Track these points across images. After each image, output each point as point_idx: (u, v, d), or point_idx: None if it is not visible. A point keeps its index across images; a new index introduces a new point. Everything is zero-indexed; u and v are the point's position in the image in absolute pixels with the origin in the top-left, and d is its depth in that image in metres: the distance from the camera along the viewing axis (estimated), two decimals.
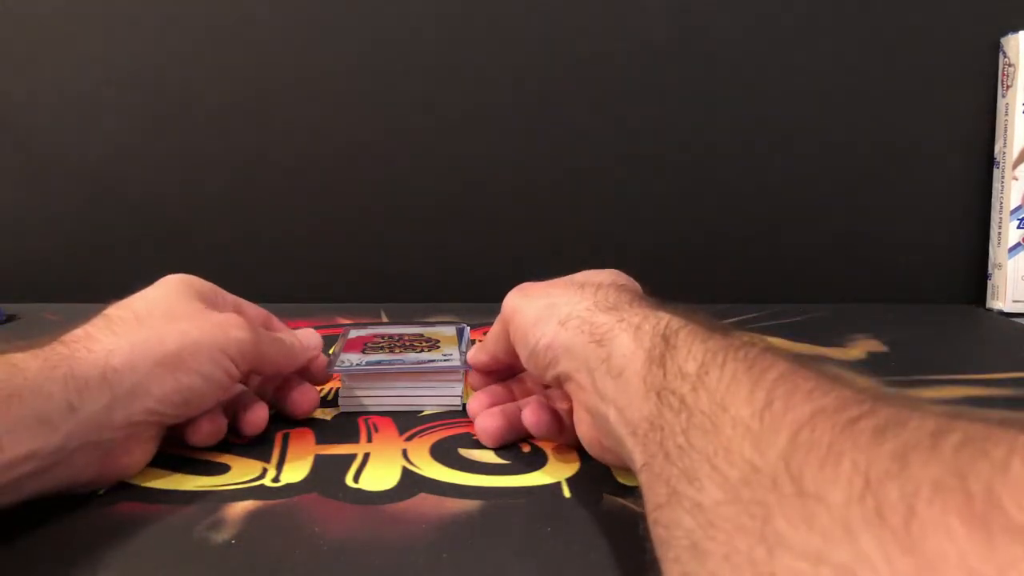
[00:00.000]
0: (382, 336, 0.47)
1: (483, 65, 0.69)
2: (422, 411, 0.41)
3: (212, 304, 0.37)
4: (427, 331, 0.48)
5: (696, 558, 0.19)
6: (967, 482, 0.13)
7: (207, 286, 0.38)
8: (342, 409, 0.41)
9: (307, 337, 0.41)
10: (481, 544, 0.27)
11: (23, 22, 0.68)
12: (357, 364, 0.41)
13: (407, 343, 0.45)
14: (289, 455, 0.35)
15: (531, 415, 0.35)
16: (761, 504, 0.17)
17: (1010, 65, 0.68)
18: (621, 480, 0.33)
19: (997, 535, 0.13)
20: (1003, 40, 0.69)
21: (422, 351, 0.44)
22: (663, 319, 0.27)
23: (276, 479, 0.33)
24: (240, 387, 0.39)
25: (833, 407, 0.18)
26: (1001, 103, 0.69)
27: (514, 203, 0.71)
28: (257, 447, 0.36)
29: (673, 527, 0.20)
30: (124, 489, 0.32)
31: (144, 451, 0.33)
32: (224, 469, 0.34)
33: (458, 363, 0.42)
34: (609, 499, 0.31)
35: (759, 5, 0.69)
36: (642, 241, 0.71)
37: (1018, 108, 0.67)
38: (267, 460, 0.35)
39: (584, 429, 0.31)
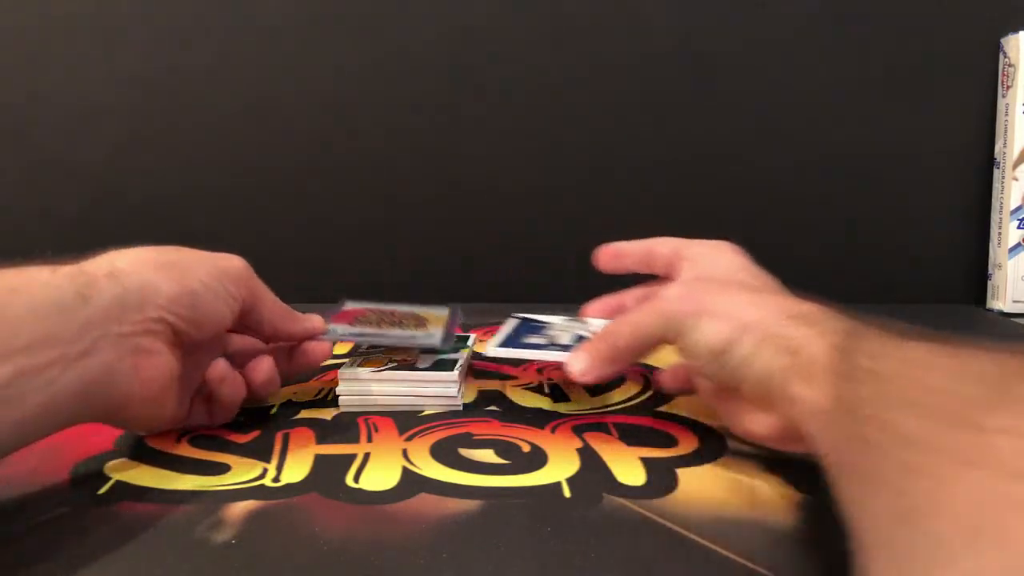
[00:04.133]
0: (373, 311, 0.48)
1: (483, 66, 0.69)
2: (422, 411, 0.41)
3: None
4: (420, 310, 0.49)
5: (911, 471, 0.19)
6: None
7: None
8: (342, 408, 0.41)
9: (310, 319, 0.42)
10: (481, 544, 0.27)
11: (24, 23, 0.68)
12: (342, 333, 0.43)
13: (396, 320, 0.46)
14: (289, 455, 0.35)
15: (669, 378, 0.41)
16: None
17: (1010, 65, 0.68)
18: (621, 480, 0.33)
19: None
20: (1003, 40, 0.69)
21: (407, 328, 0.45)
22: (855, 325, 0.28)
23: (276, 479, 0.33)
24: (250, 341, 0.41)
25: None
26: (1001, 103, 0.69)
27: (517, 205, 0.71)
28: (257, 447, 0.36)
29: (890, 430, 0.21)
30: (124, 489, 0.32)
31: (167, 361, 0.33)
32: (224, 469, 0.34)
33: (437, 341, 0.43)
34: (609, 499, 0.31)
35: (759, 5, 0.69)
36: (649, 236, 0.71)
37: (1018, 108, 0.67)
38: (267, 460, 0.35)
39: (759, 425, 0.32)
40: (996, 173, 0.70)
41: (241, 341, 0.41)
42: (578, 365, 0.37)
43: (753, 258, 0.40)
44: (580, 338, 0.42)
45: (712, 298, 0.34)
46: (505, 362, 0.48)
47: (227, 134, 0.70)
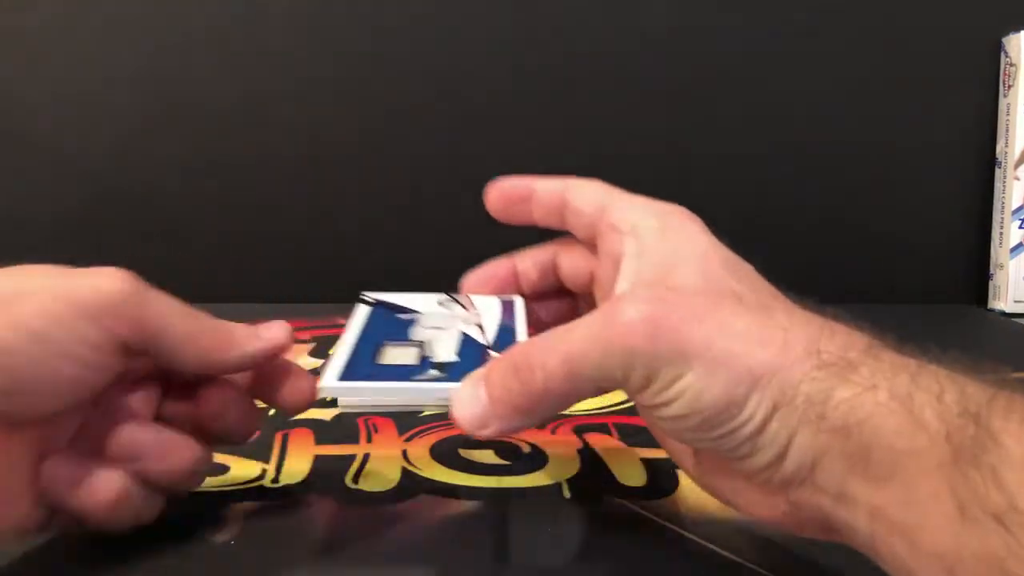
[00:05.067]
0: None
1: (483, 66, 0.69)
2: (422, 411, 0.41)
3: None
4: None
5: None
6: None
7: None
8: (341, 409, 0.41)
9: (268, 328, 0.27)
10: (481, 544, 0.27)
11: (23, 22, 0.68)
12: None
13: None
14: (288, 455, 0.35)
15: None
16: None
17: (1012, 65, 0.68)
18: (622, 481, 0.32)
19: None
20: (1004, 40, 0.69)
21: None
22: (949, 380, 0.19)
23: (275, 479, 0.33)
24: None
25: None
26: (1003, 103, 0.69)
27: None
28: (255, 447, 0.36)
29: None
30: None
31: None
32: (223, 469, 0.34)
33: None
34: (609, 499, 0.31)
35: (759, 5, 0.69)
36: None
37: (1020, 108, 0.67)
38: (266, 460, 0.35)
39: (771, 513, 0.22)
40: (997, 173, 0.70)
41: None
42: (469, 412, 0.24)
43: (752, 258, 0.27)
44: (467, 341, 0.28)
45: (698, 326, 0.21)
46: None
47: (228, 133, 0.70)
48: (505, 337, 0.29)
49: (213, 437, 0.27)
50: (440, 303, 0.32)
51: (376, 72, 0.69)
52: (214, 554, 0.27)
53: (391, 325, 0.30)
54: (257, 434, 0.30)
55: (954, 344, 0.22)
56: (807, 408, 0.20)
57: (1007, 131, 0.68)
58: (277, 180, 0.71)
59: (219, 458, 0.35)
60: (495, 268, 0.32)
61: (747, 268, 0.26)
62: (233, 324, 0.27)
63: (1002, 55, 0.69)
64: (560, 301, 0.32)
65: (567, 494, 0.31)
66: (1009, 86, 0.68)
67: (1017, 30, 0.67)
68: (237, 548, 0.27)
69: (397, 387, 0.25)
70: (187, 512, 0.29)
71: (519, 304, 0.31)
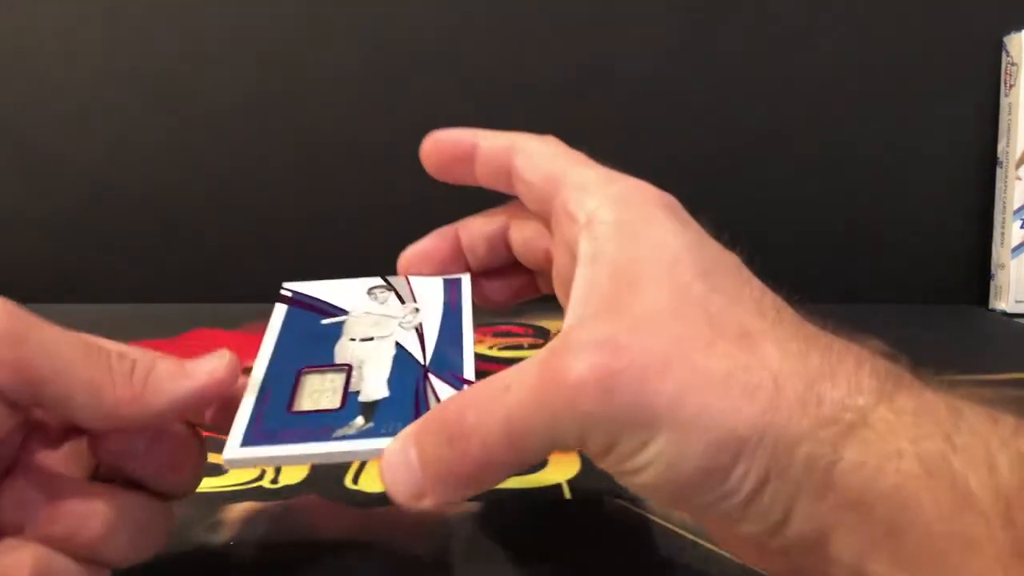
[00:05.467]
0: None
1: (483, 66, 0.69)
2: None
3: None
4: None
5: None
6: None
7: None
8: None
9: (200, 364, 0.21)
10: (481, 546, 0.27)
11: (23, 21, 0.68)
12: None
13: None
14: None
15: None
16: None
17: (1013, 64, 0.68)
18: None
19: None
20: (1006, 39, 0.68)
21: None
22: (995, 437, 0.15)
23: (275, 480, 0.33)
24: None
25: None
26: (1004, 102, 0.69)
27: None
28: None
29: None
30: None
31: None
32: (222, 470, 0.34)
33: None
34: (609, 500, 0.31)
35: (759, 4, 0.69)
36: None
37: (1021, 107, 0.67)
38: None
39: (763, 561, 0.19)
40: (999, 172, 0.70)
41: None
42: (401, 481, 0.20)
43: (753, 258, 0.23)
44: (401, 359, 0.24)
45: (665, 379, 0.17)
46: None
47: (228, 133, 0.70)
48: (447, 347, 0.24)
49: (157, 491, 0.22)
50: (372, 292, 0.27)
51: (379, 73, 0.69)
52: (214, 554, 0.26)
53: (312, 338, 0.25)
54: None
55: (956, 344, 0.22)
56: (807, 476, 0.16)
57: (1008, 131, 0.68)
58: (279, 181, 0.71)
59: (217, 459, 0.35)
60: (436, 241, 0.28)
61: (729, 266, 0.21)
62: (155, 360, 0.21)
63: (1003, 54, 0.69)
64: (515, 278, 0.28)
65: (567, 494, 0.31)
66: (1011, 85, 0.68)
67: (1018, 29, 0.67)
68: (237, 548, 0.27)
69: (315, 449, 0.21)
70: (187, 512, 0.29)
71: (466, 285, 0.27)
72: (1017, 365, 0.51)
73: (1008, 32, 0.68)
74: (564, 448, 0.18)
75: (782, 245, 0.72)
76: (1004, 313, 0.69)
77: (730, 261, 0.21)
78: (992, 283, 0.71)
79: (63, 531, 0.19)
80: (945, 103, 0.70)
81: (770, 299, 0.20)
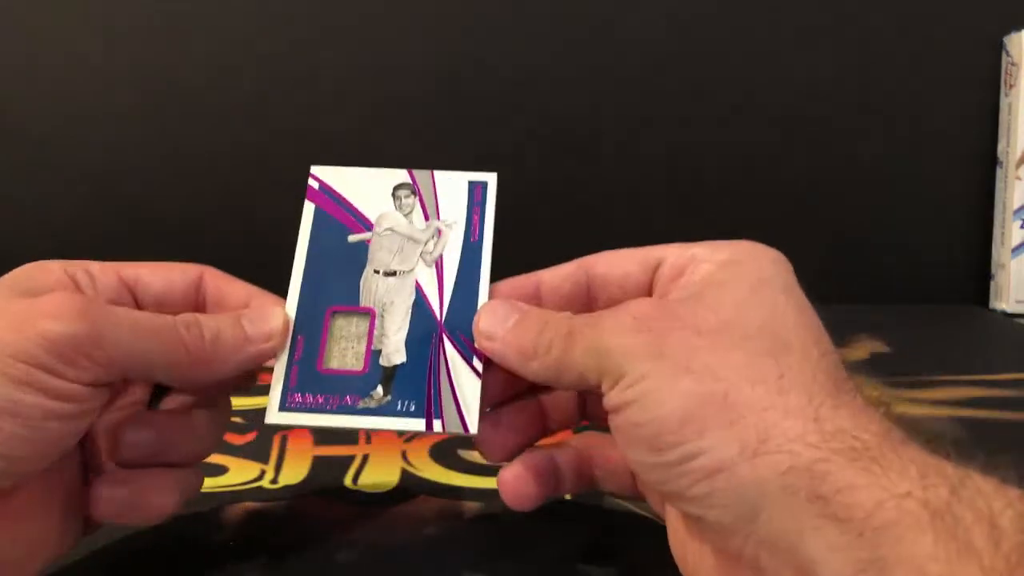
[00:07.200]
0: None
1: (483, 67, 0.69)
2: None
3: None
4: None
5: None
6: None
7: (53, 275, 0.25)
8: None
9: (256, 321, 0.25)
10: (481, 546, 0.27)
11: (22, 21, 0.68)
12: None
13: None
14: (287, 456, 0.35)
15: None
16: None
17: (1013, 64, 0.68)
18: None
19: None
20: (1006, 39, 0.68)
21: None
22: (1001, 498, 0.15)
23: (274, 480, 0.33)
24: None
25: None
26: (1004, 102, 0.69)
27: (520, 203, 0.71)
28: (254, 448, 0.36)
29: None
30: None
31: None
32: (222, 470, 0.34)
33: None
34: (610, 500, 0.31)
35: (760, 4, 0.69)
36: (640, 242, 0.71)
37: (1021, 107, 0.67)
38: (265, 461, 0.35)
39: None
40: (999, 172, 0.70)
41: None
42: (496, 322, 0.24)
43: None
44: (418, 313, 0.26)
45: (689, 336, 0.20)
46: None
47: (228, 133, 0.70)
48: (462, 293, 0.26)
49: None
50: (396, 195, 0.28)
51: (379, 73, 0.69)
52: (214, 554, 0.26)
53: (339, 261, 0.27)
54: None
55: (956, 344, 0.22)
56: (793, 474, 0.16)
57: (1008, 131, 0.68)
58: (279, 180, 0.70)
59: (218, 459, 0.35)
60: (524, 280, 0.28)
61: (813, 335, 0.21)
62: (219, 326, 0.24)
63: (1003, 54, 0.69)
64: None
65: (567, 495, 0.31)
66: (1011, 85, 0.68)
67: (1018, 29, 0.67)
68: (237, 548, 0.27)
69: (340, 421, 0.24)
70: (187, 512, 0.29)
71: (491, 190, 0.28)
72: (1017, 365, 0.51)
73: (1008, 32, 0.68)
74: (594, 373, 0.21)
75: (782, 245, 0.72)
76: (1004, 313, 0.69)
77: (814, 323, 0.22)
78: (992, 283, 0.71)
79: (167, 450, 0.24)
80: (945, 103, 0.70)
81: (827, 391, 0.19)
